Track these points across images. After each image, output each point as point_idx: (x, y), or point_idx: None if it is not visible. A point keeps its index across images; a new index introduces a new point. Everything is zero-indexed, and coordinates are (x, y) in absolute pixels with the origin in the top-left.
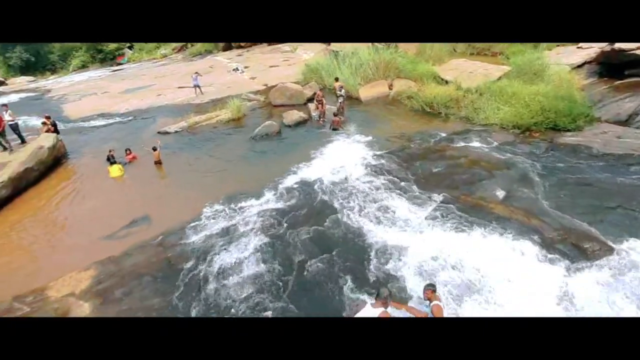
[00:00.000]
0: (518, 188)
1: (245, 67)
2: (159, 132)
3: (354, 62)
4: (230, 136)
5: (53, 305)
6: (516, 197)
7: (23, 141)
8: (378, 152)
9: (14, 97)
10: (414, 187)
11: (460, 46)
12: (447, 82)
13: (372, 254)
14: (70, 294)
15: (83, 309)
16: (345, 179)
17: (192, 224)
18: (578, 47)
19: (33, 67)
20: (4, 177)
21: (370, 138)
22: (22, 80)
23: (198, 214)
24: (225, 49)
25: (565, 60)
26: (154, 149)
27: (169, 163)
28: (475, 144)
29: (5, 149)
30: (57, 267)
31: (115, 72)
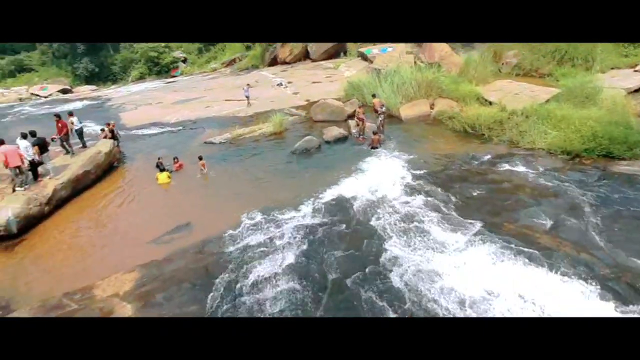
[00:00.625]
0: (567, 218)
1: (289, 82)
2: (205, 142)
3: (396, 80)
4: (272, 149)
5: (98, 304)
6: (564, 227)
7: (84, 146)
8: (417, 172)
9: (78, 104)
10: (453, 210)
11: (506, 67)
12: (490, 103)
13: (407, 276)
14: (115, 294)
15: (126, 310)
16: (383, 198)
17: (231, 233)
18: (635, 71)
19: (97, 77)
20: (64, 178)
21: (409, 157)
22: (86, 89)
23: (237, 224)
24: (270, 64)
25: (621, 84)
26: (200, 159)
27: (212, 172)
28: (520, 168)
29: (68, 152)
30: (104, 267)
31: (169, 83)
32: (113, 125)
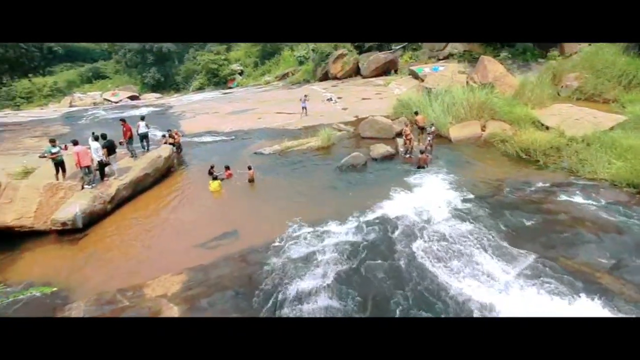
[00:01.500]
0: (632, 258)
1: (339, 98)
2: (255, 153)
3: (447, 100)
4: (318, 163)
5: (147, 303)
6: (629, 268)
7: (147, 149)
8: (465, 196)
9: (144, 110)
10: (504, 239)
11: (565, 90)
12: (547, 128)
13: (450, 306)
14: (163, 295)
15: (172, 312)
16: (429, 220)
17: (275, 244)
18: None
19: (162, 86)
20: (127, 179)
21: (457, 180)
22: (151, 97)
23: (281, 235)
24: (321, 79)
25: None
26: (249, 168)
27: (260, 182)
28: (579, 199)
29: (132, 155)
30: (155, 268)
31: (226, 94)
32: (179, 136)
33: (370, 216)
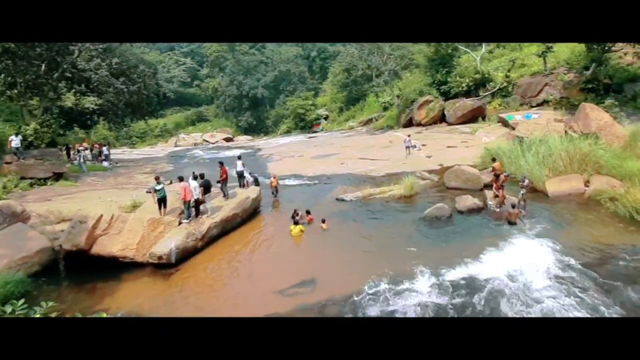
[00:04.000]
0: None
1: (423, 145)
2: (337, 199)
3: (542, 151)
4: (400, 213)
5: None
6: None
7: (241, 186)
8: (567, 262)
9: (236, 151)
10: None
11: None
12: None
13: None
14: None
15: None
16: (524, 286)
17: (353, 299)
18: None
19: (253, 129)
20: (217, 218)
21: (556, 242)
22: (244, 139)
23: (359, 289)
24: (405, 126)
25: None
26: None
27: (341, 230)
28: None
29: (224, 195)
30: (238, 310)
31: (311, 138)
32: (276, 180)
33: (455, 275)
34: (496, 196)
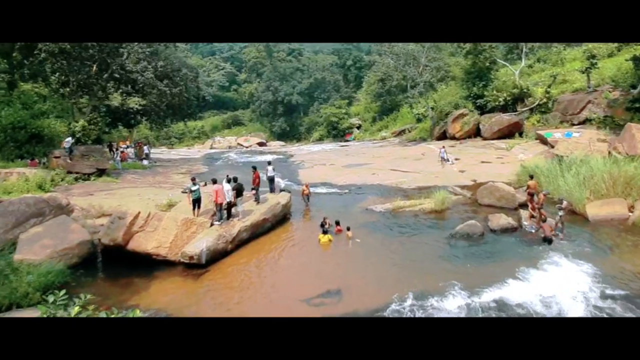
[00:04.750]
0: None
1: (456, 159)
2: (366, 209)
3: (583, 172)
4: (430, 228)
5: None
6: None
7: (272, 191)
8: (608, 291)
9: (268, 157)
10: None
11: None
12: None
13: None
14: None
15: None
16: (559, 314)
17: (378, 315)
18: None
19: (286, 135)
20: (248, 222)
21: (597, 269)
22: (276, 144)
23: (386, 303)
24: (439, 138)
25: None
26: (347, 229)
27: (369, 241)
28: None
29: (256, 199)
30: (260, 313)
31: (342, 147)
32: (308, 188)
33: (485, 297)
34: (532, 216)
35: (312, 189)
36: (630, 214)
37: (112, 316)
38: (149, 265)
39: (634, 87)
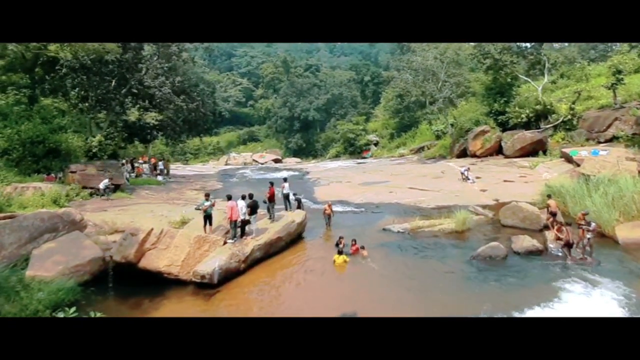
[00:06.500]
0: None
1: (477, 178)
2: (384, 229)
3: (611, 192)
4: (450, 249)
5: None
6: None
7: (287, 209)
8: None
9: (284, 173)
10: None
11: None
12: None
13: None
14: None
15: None
16: None
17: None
18: None
19: (302, 152)
20: (261, 241)
21: (628, 295)
22: (292, 161)
23: None
24: (459, 156)
25: None
26: (362, 248)
27: (386, 263)
28: None
29: (270, 216)
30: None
31: (359, 164)
32: (330, 208)
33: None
34: (558, 238)
35: None
36: None
37: (108, 317)
38: (160, 284)
39: None
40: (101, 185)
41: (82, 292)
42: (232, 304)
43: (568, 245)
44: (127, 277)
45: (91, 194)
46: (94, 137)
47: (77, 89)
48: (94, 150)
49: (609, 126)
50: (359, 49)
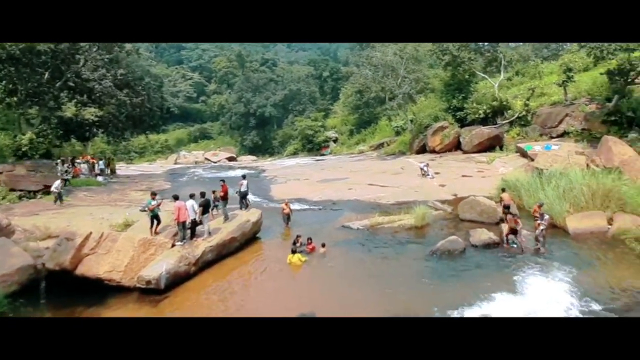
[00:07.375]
0: None
1: (436, 173)
2: (342, 226)
3: (562, 185)
4: (409, 245)
5: None
6: None
7: (242, 208)
8: (588, 306)
9: (239, 171)
10: None
11: None
12: None
13: None
14: None
15: None
16: None
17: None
18: None
19: (258, 149)
20: (214, 242)
21: (577, 283)
22: (248, 159)
23: None
24: (418, 152)
25: None
26: (322, 245)
27: (345, 260)
28: None
29: (225, 216)
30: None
31: (318, 161)
32: (288, 207)
33: (466, 315)
34: (513, 230)
35: None
36: (610, 226)
37: (110, 317)
38: (100, 292)
39: (609, 100)
40: (54, 189)
41: (10, 304)
42: (180, 309)
43: (513, 232)
44: (62, 286)
45: (20, 197)
46: (23, 134)
47: (4, 81)
48: (23, 149)
49: (560, 122)
50: (318, 44)
